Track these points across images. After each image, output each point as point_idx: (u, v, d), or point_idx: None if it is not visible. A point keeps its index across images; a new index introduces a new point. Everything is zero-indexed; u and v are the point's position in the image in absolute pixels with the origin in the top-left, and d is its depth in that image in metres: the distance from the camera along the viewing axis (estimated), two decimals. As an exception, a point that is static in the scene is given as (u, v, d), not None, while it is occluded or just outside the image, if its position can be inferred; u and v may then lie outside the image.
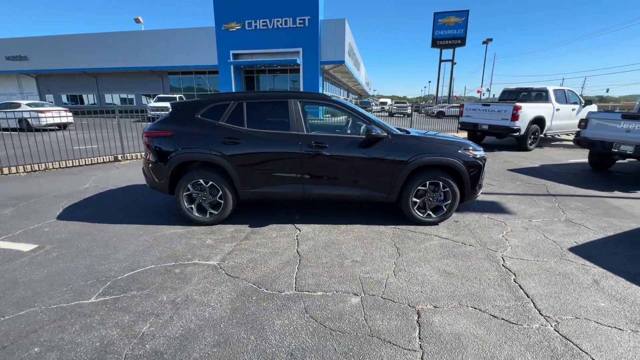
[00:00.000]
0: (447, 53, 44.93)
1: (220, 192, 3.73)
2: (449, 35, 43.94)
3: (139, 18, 30.87)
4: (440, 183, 3.72)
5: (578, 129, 6.99)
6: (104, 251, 3.14)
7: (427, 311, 2.29)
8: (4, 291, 2.48)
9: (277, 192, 3.77)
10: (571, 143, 11.59)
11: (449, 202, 3.79)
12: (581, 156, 8.78)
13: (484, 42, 37.78)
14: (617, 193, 5.38)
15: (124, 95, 32.69)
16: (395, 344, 1.98)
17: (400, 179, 3.68)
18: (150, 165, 3.79)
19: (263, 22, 23.76)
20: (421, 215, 3.84)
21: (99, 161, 7.47)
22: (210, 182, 3.69)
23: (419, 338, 2.03)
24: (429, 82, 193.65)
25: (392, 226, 3.82)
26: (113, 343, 1.96)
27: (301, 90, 25.04)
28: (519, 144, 9.77)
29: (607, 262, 3.02)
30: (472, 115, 10.49)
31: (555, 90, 10.21)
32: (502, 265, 2.95)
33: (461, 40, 43.13)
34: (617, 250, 3.26)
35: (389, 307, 2.33)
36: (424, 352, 1.91)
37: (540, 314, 2.28)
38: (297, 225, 3.83)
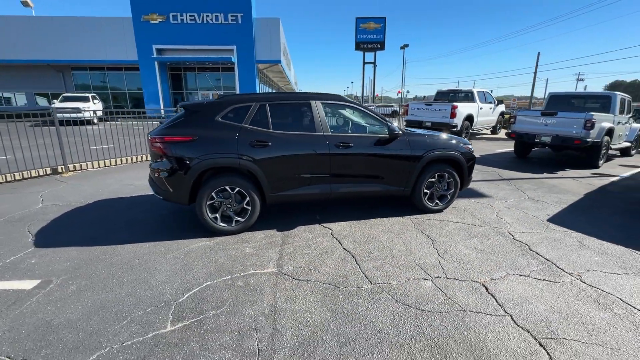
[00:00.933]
0: (369, 56, 48.52)
1: (248, 198, 3.56)
2: (370, 39, 47.19)
3: (28, 1, 25.46)
4: (446, 174, 4.23)
5: (494, 124, 8.53)
6: (137, 275, 2.75)
7: (489, 283, 2.69)
8: (44, 338, 2.02)
9: (305, 194, 3.77)
10: (490, 136, 13.88)
11: (452, 190, 4.33)
12: (504, 147, 10.66)
13: (401, 48, 41.84)
14: (546, 174, 6.78)
15: (8, 94, 26.70)
16: (486, 312, 2.30)
17: (415, 173, 4.06)
18: (164, 174, 3.40)
19: (191, 16, 22.10)
20: (431, 204, 4.29)
21: (31, 175, 6.14)
22: (237, 188, 3.50)
23: (499, 305, 2.39)
24: (352, 82, 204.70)
25: (407, 217, 4.19)
26: (235, 365, 1.83)
27: (237, 90, 24.13)
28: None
29: (578, 227, 3.89)
30: (416, 113, 11.73)
31: (478, 92, 12.11)
32: (514, 239, 3.56)
33: (381, 45, 46.74)
34: (578, 218, 4.21)
35: (458, 285, 2.65)
36: (511, 315, 2.28)
37: (565, 272, 2.88)
38: (324, 225, 3.90)
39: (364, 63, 47.99)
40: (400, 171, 4.02)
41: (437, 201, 4.32)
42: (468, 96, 12.22)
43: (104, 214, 4.23)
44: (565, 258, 3.13)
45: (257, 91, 25.23)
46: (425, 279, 2.73)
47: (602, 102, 8.17)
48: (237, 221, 3.60)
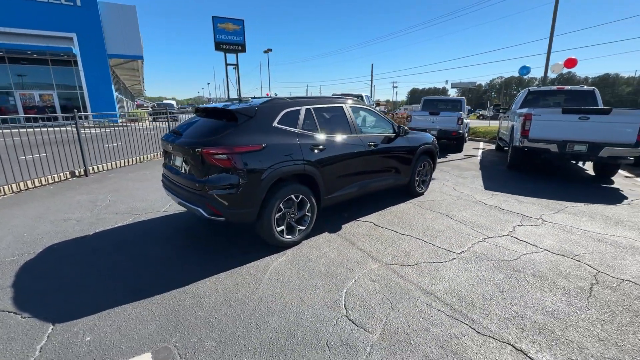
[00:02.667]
0: (231, 58, 47.26)
1: (309, 205, 3.48)
2: (230, 40, 46.13)
3: None
4: (427, 163, 5.27)
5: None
6: (286, 314, 2.39)
7: (511, 233, 3.78)
8: None
9: (347, 194, 3.96)
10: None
11: (429, 175, 5.44)
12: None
13: (265, 52, 42.86)
14: (442, 159, 9.07)
15: None
16: (530, 251, 3.33)
17: (412, 163, 4.90)
18: (232, 190, 2.90)
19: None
20: (420, 189, 5.25)
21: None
22: (301, 196, 3.37)
23: (531, 244, 3.48)
24: (208, 84, 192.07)
25: (409, 202, 4.99)
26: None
27: (84, 90, 19.14)
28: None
29: (503, 190, 5.68)
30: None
31: (366, 96, 14.33)
32: (486, 204, 4.91)
33: (242, 47, 46.46)
34: (495, 185, 6.09)
35: (499, 240, 3.62)
36: (545, 248, 3.39)
37: (534, 218, 4.33)
38: (360, 220, 4.20)
39: (226, 65, 46.80)
40: (405, 163, 4.76)
41: (422, 186, 5.32)
42: (363, 98, 14.30)
43: (127, 255, 3.09)
44: (525, 210, 4.65)
45: (113, 91, 20.79)
46: (480, 242, 3.57)
47: (456, 104, 11.44)
48: (299, 230, 3.45)
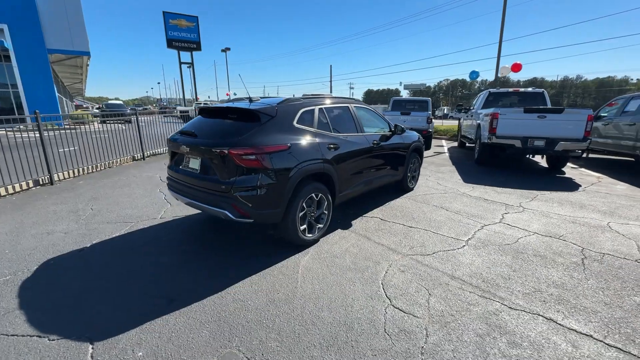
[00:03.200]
0: (185, 56, 44.86)
1: (326, 203, 3.54)
2: (184, 37, 44.12)
3: None
4: (416, 159, 5.60)
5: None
6: (336, 310, 2.42)
7: (503, 219, 4.20)
8: None
9: (355, 191, 4.09)
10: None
11: (418, 171, 5.78)
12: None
13: (222, 50, 41.39)
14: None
15: None
16: (517, 234, 3.75)
17: (406, 160, 5.18)
18: (262, 191, 2.85)
19: None
20: (411, 185, 5.56)
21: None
22: (320, 194, 3.42)
23: (522, 228, 3.91)
24: (158, 83, 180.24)
25: (403, 197, 5.27)
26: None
27: (20, 89, 16.95)
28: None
29: (481, 183, 6.23)
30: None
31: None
32: (471, 196, 5.36)
33: (196, 45, 44.74)
34: (473, 178, 6.65)
35: (495, 227, 4.00)
36: (533, 231, 3.83)
37: (515, 206, 4.84)
38: (367, 216, 4.36)
39: (180, 63, 44.44)
40: (400, 159, 5.02)
41: (412, 181, 5.64)
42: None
43: (137, 261, 2.85)
44: (506, 200, 5.16)
45: (55, 90, 18.71)
46: (479, 229, 3.92)
47: (422, 104, 12.18)
48: (318, 229, 3.50)
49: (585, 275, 2.86)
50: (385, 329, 2.16)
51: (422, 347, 2.00)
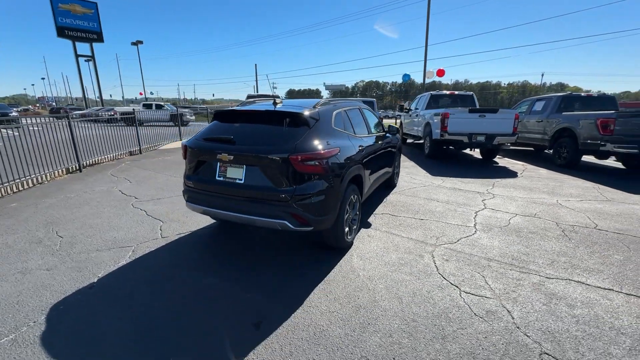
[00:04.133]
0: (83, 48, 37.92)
1: (358, 204, 3.60)
2: (80, 26, 37.92)
3: None
4: (399, 158, 6.04)
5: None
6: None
7: (485, 205, 4.89)
8: None
9: (370, 191, 4.24)
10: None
11: (398, 168, 6.24)
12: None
13: (133, 44, 36.41)
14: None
15: None
16: (497, 215, 4.45)
17: (396, 158, 5.56)
18: (321, 197, 2.76)
19: None
20: (395, 181, 5.98)
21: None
22: (355, 196, 3.47)
23: (499, 211, 4.64)
24: (42, 79, 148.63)
25: (392, 193, 5.63)
26: (543, 283, 2.79)
27: None
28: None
29: (445, 175, 7.05)
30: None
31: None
32: (448, 187, 6.05)
33: (97, 36, 38.90)
34: (436, 171, 7.47)
35: (477, 212, 4.64)
36: (508, 211, 4.58)
37: (485, 193, 5.65)
38: (377, 213, 4.55)
39: (77, 56, 37.78)
40: (392, 157, 5.36)
41: (396, 178, 6.07)
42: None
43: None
44: (475, 188, 5.96)
45: None
46: (475, 215, 4.49)
47: (369, 105, 12.99)
48: (353, 230, 3.55)
49: (574, 244, 3.58)
50: (474, 313, 2.38)
51: (514, 322, 2.28)
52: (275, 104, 3.40)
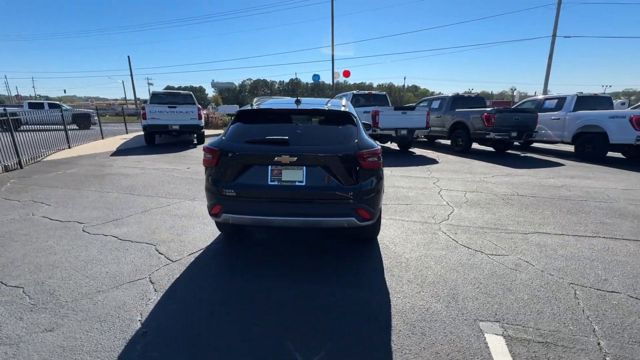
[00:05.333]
0: None
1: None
2: None
3: None
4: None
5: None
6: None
7: (442, 191, 5.90)
8: (553, 300, 2.49)
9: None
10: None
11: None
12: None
13: None
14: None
15: None
16: (456, 195, 5.54)
17: None
18: (378, 190, 2.94)
19: None
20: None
21: None
22: (378, 188, 3.73)
23: (452, 188, 5.73)
24: None
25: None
26: None
27: None
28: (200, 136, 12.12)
29: (393, 164, 7.99)
30: (158, 117, 10.68)
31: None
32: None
33: None
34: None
35: (444, 191, 5.61)
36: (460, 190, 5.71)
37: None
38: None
39: None
40: None
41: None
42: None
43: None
44: (420, 174, 7.00)
45: None
46: (446, 195, 5.38)
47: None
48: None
49: (517, 208, 4.79)
50: (510, 268, 3.02)
51: (535, 268, 3.02)
52: (298, 102, 3.32)
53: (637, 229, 3.95)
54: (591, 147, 8.98)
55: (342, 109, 3.15)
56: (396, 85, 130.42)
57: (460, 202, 5.03)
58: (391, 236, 3.73)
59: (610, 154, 9.20)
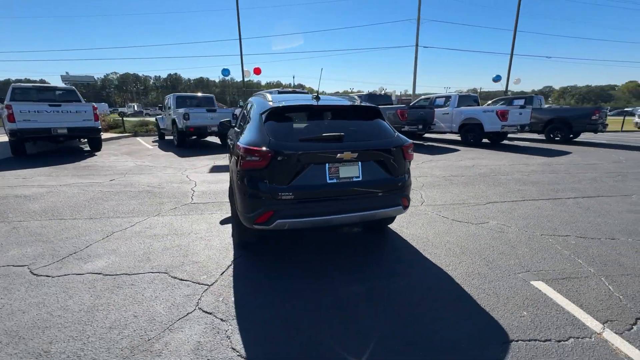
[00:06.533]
0: None
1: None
2: None
3: None
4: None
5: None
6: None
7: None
8: (543, 248, 3.31)
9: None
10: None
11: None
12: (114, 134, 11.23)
13: None
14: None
15: None
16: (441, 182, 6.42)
17: None
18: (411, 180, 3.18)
19: None
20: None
21: None
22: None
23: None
24: None
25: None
26: None
27: None
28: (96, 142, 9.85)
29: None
30: (35, 118, 8.11)
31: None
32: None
33: None
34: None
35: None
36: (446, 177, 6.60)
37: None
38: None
39: None
40: None
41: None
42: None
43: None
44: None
45: None
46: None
47: (209, 100, 12.13)
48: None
49: (473, 185, 5.87)
50: (500, 231, 3.78)
51: (517, 229, 3.87)
52: (317, 98, 3.27)
53: (541, 191, 5.46)
54: (472, 135, 11.58)
55: (376, 106, 3.29)
56: (283, 84, 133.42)
57: (419, 186, 5.82)
58: (399, 221, 4.08)
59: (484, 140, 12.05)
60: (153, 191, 5.40)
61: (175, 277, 2.75)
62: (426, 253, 3.24)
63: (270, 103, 3.08)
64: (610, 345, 2.00)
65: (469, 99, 12.79)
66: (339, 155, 2.68)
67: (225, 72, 16.50)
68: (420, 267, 2.98)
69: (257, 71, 16.53)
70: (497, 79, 20.36)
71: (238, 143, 2.86)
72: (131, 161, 8.33)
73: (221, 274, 2.81)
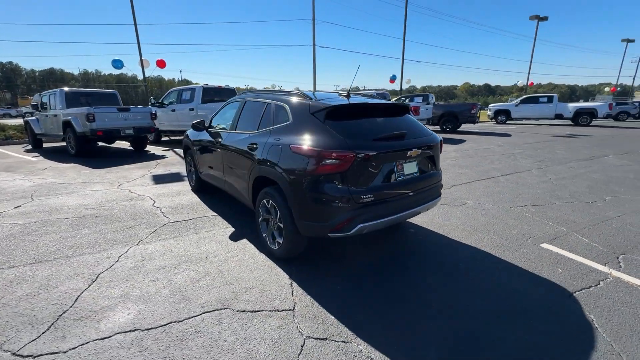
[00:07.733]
0: None
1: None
2: None
3: None
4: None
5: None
6: (471, 220, 4.03)
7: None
8: None
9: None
10: None
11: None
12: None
13: None
14: (165, 157, 8.69)
15: None
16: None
17: None
18: None
19: None
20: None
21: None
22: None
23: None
24: None
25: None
26: None
27: None
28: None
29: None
30: None
31: None
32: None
33: None
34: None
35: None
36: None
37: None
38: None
39: None
40: None
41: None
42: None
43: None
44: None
45: None
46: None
47: (111, 98, 9.96)
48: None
49: (452, 170, 6.61)
50: (485, 214, 4.49)
51: (495, 208, 4.66)
52: (348, 96, 3.20)
53: (477, 173, 6.64)
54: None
55: (398, 103, 3.38)
56: (166, 79, 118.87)
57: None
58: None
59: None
60: (101, 214, 4.20)
61: (244, 311, 2.30)
62: (450, 235, 3.61)
63: (313, 102, 2.86)
64: (623, 279, 2.71)
65: (380, 97, 14.26)
66: (409, 153, 2.72)
67: (117, 63, 13.45)
68: (454, 248, 3.31)
69: (161, 64, 14.23)
70: (393, 78, 23.22)
71: (300, 146, 2.58)
72: (20, 179, 6.18)
73: (292, 294, 2.50)
